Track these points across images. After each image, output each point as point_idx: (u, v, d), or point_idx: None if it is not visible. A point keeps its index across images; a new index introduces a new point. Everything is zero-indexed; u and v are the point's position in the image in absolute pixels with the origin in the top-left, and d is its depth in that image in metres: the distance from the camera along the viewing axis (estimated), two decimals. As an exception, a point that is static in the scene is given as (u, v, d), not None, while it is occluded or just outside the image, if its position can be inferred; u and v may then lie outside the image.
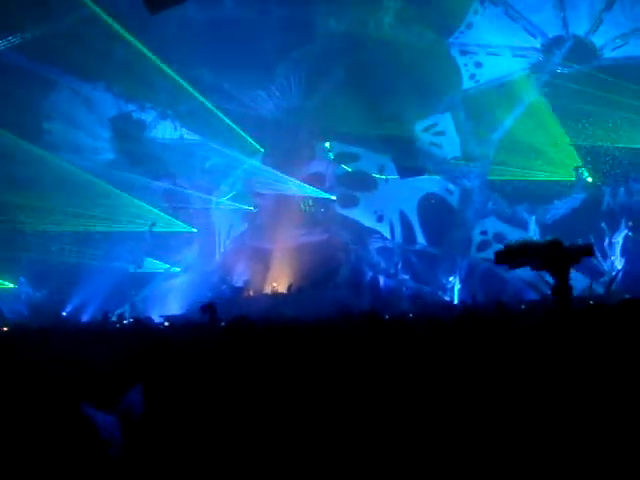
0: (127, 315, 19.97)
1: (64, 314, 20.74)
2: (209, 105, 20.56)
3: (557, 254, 2.89)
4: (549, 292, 18.12)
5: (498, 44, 20.01)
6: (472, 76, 20.39)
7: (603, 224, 18.94)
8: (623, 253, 18.81)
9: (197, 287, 20.79)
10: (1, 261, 20.80)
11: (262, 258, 21.20)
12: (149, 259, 21.66)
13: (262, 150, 22.03)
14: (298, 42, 20.84)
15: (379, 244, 21.29)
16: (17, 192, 19.96)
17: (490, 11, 19.80)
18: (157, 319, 17.38)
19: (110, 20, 19.12)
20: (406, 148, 20.44)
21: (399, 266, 20.44)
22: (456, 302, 20.01)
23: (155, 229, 21.18)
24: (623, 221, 19.05)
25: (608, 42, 19.43)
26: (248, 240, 22.03)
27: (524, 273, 19.90)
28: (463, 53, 20.26)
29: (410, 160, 20.60)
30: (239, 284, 21.28)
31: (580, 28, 19.55)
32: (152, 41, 19.43)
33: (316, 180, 21.86)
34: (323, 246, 20.93)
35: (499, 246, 20.38)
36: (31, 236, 21.07)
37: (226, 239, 22.53)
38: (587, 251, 2.81)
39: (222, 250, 22.42)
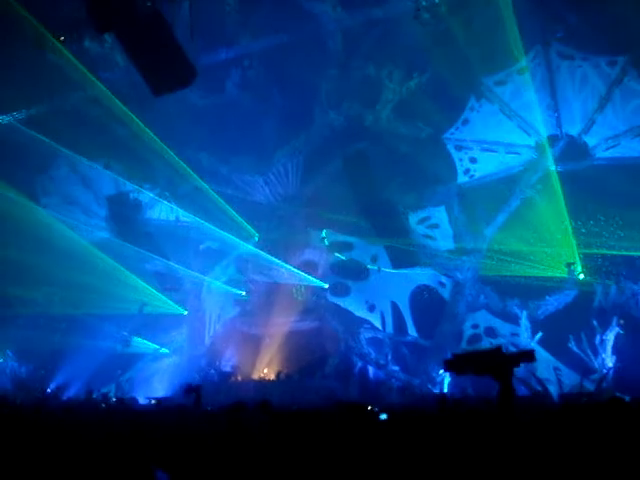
0: (112, 394, 20.50)
1: (48, 391, 21.27)
2: (206, 188, 21.56)
3: (498, 360, 3.29)
4: (539, 388, 18.78)
5: (493, 141, 20.97)
6: (467, 171, 21.22)
7: (594, 321, 19.27)
8: (614, 351, 19.04)
9: (184, 370, 21.27)
10: (-11, 334, 21.54)
11: (252, 344, 21.62)
12: (138, 339, 22.30)
13: (257, 235, 22.78)
14: (297, 130, 21.93)
15: (370, 334, 21.69)
16: (9, 266, 20.77)
17: (486, 108, 20.82)
18: (142, 400, 17.95)
19: (114, 100, 20.34)
20: (400, 239, 21.10)
21: (389, 357, 20.87)
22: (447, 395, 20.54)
23: (145, 309, 21.91)
24: (615, 319, 19.35)
25: (601, 142, 20.35)
26: (238, 325, 22.49)
27: (516, 368, 20.59)
28: (458, 148, 21.18)
29: (403, 251, 21.16)
30: (227, 369, 21.55)
31: (573, 128, 20.51)
32: (153, 122, 20.42)
33: (309, 267, 22.49)
34: (313, 334, 21.44)
35: (490, 340, 21.24)
36: (20, 311, 21.78)
37: (216, 323, 22.95)
38: (527, 356, 3.24)
39: (211, 334, 22.83)
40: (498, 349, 3.82)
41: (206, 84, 19.99)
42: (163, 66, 14.52)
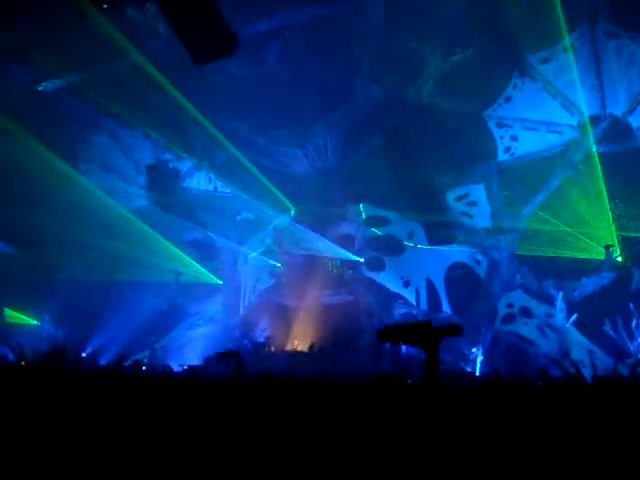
0: (145, 361, 22.70)
1: (83, 355, 23.55)
2: (244, 159, 23.06)
3: (426, 332, 4.08)
4: (573, 369, 20.58)
5: (535, 119, 22.22)
6: (507, 149, 22.63)
7: (631, 305, 20.63)
8: None
9: (218, 339, 23.30)
10: (27, 298, 23.81)
11: (286, 315, 23.36)
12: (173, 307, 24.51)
13: (293, 208, 24.50)
14: (337, 104, 23.33)
15: (404, 310, 23.35)
16: (47, 232, 22.90)
17: (529, 86, 22.03)
18: (176, 367, 20.05)
19: (154, 70, 22.24)
20: (437, 216, 22.54)
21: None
22: (477, 374, 22.44)
23: (181, 278, 24.10)
24: None
25: None
26: (273, 296, 24.28)
27: (549, 349, 22.49)
28: (500, 126, 22.56)
29: (440, 228, 22.70)
30: (261, 339, 23.25)
31: (617, 108, 21.72)
32: (193, 92, 21.74)
33: (345, 241, 24.10)
34: (347, 308, 23.08)
35: (524, 320, 23.02)
36: (58, 276, 23.94)
37: (251, 294, 24.76)
38: (454, 330, 3.98)
39: (246, 304, 24.67)
40: (428, 322, 4.15)
41: (246, 55, 20.86)
42: (205, 35, 15.39)
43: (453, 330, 4.32)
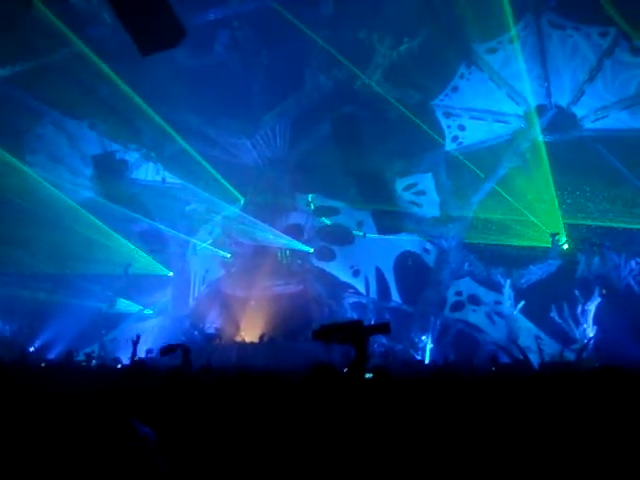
0: (95, 355, 23.45)
1: (31, 349, 24.19)
2: (192, 150, 23.69)
3: (357, 330, 4.49)
4: (520, 356, 21.69)
5: (482, 109, 23.19)
6: (455, 138, 23.59)
7: (577, 291, 21.81)
8: (595, 321, 21.67)
9: (168, 331, 24.07)
10: (-26, 294, 24.26)
11: (236, 306, 24.10)
12: (122, 300, 25.30)
13: (243, 198, 25.23)
14: (286, 93, 24.13)
15: (353, 299, 24.31)
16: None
17: (476, 76, 22.93)
18: (125, 360, 20.84)
19: (99, 59, 22.68)
20: (386, 205, 23.44)
21: (372, 322, 24.03)
22: (427, 361, 23.62)
23: (131, 270, 24.90)
24: (597, 289, 21.95)
25: (589, 113, 22.73)
26: (223, 287, 24.99)
27: (497, 336, 23.77)
28: (447, 115, 23.50)
29: (389, 217, 23.60)
30: (211, 331, 23.97)
31: (563, 98, 22.69)
32: (140, 82, 22.24)
33: (295, 231, 25.00)
34: (297, 298, 23.93)
35: (472, 307, 24.26)
36: (4, 269, 24.50)
37: (201, 285, 25.52)
38: (383, 328, 4.48)
39: (196, 295, 25.39)
40: (358, 321, 4.47)
41: (194, 45, 21.85)
42: (151, 25, 15.79)
43: (382, 329, 4.73)
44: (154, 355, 20.35)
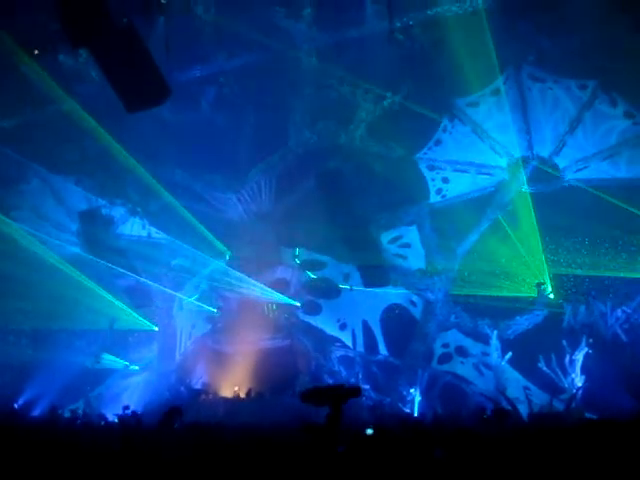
0: (80, 411, 24.37)
1: (15, 406, 25.00)
2: (178, 205, 24.90)
3: (332, 394, 5.50)
4: (509, 407, 22.61)
5: (465, 161, 24.52)
6: (439, 191, 24.87)
7: (564, 341, 22.86)
8: (583, 371, 22.55)
9: (154, 387, 25.03)
10: (-44, 351, 25.21)
11: (222, 361, 24.94)
12: (107, 355, 26.34)
13: (228, 253, 26.31)
14: (271, 149, 25.48)
15: (341, 352, 25.22)
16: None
17: (458, 129, 24.31)
18: (110, 417, 21.71)
19: (86, 116, 23.68)
20: (372, 258, 24.53)
21: (360, 376, 24.39)
22: (416, 414, 24.61)
23: (116, 325, 25.99)
24: (584, 339, 22.99)
25: (571, 164, 23.87)
26: (209, 342, 25.87)
27: (486, 387, 24.88)
28: (431, 168, 24.79)
29: (375, 270, 24.74)
30: (197, 386, 24.75)
31: (544, 149, 23.99)
32: (127, 138, 23.51)
33: (281, 285, 26.04)
34: (284, 352, 24.89)
35: (460, 359, 25.36)
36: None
37: (187, 340, 26.29)
38: (354, 392, 5.43)
39: (182, 351, 26.21)
40: (338, 386, 5.44)
41: (180, 101, 22.60)
42: (137, 83, 16.82)
43: (353, 392, 5.65)
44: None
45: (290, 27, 24.31)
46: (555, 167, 24.54)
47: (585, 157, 24.07)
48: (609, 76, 22.78)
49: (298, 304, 26.53)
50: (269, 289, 26.19)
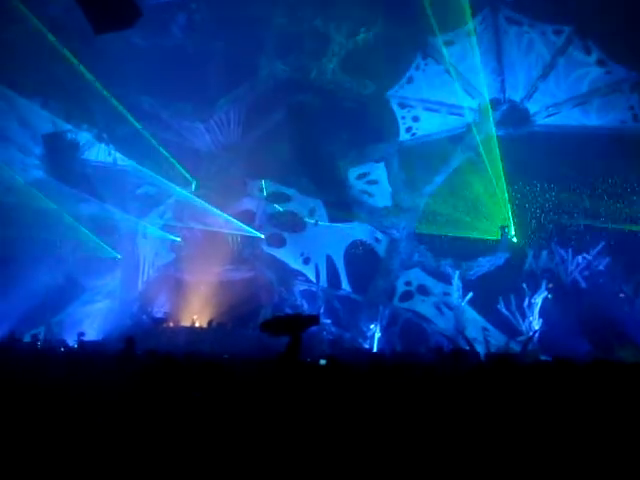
0: (41, 337, 25.50)
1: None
2: (145, 133, 25.57)
3: (293, 323, 6.05)
4: (467, 347, 24.22)
5: (436, 101, 25.48)
6: (409, 129, 25.86)
7: (524, 284, 24.22)
8: (541, 314, 24.10)
9: (116, 314, 26.34)
10: None
11: (185, 291, 26.03)
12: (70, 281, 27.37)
13: (195, 182, 27.19)
14: (242, 79, 26.18)
15: (303, 286, 26.45)
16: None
17: (431, 68, 25.24)
18: (71, 342, 22.81)
19: (53, 37, 23.60)
20: (338, 194, 25.78)
21: (322, 310, 25.52)
22: (375, 350, 26.15)
23: (79, 251, 27.06)
24: (544, 283, 24.40)
25: (542, 109, 24.97)
26: (172, 271, 26.93)
27: (445, 327, 26.53)
28: (402, 106, 25.70)
29: (341, 206, 25.99)
30: (159, 315, 25.85)
31: (516, 93, 25.01)
32: (95, 62, 24.11)
33: (246, 217, 27.09)
34: (247, 284, 26.03)
35: (422, 298, 26.93)
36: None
37: (150, 268, 27.32)
38: (314, 320, 6.11)
39: (145, 279, 27.23)
40: (297, 315, 6.25)
41: (151, 26, 23.64)
42: (106, 3, 19.26)
43: (312, 321, 6.30)
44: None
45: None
46: (526, 111, 25.62)
47: (556, 103, 25.18)
48: (585, 23, 23.76)
49: (262, 236, 27.65)
50: (234, 220, 27.20)
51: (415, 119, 26.19)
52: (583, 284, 24.69)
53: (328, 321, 25.58)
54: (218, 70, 25.58)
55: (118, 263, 27.21)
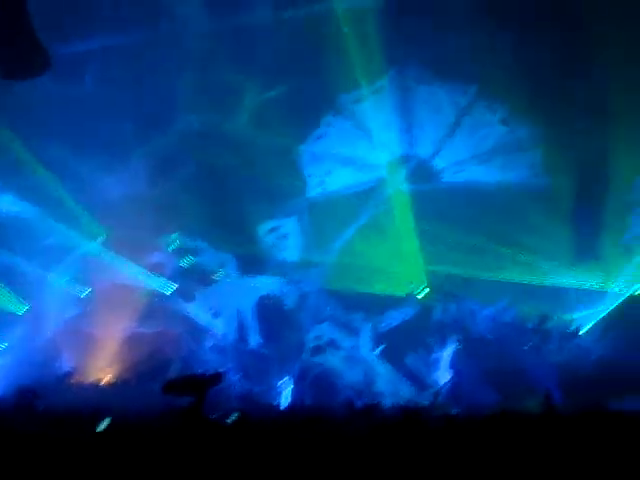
0: None
1: None
2: (55, 181, 26.21)
3: (195, 383, 6.18)
4: (376, 400, 25.20)
5: (347, 156, 26.73)
6: (320, 183, 26.94)
7: (433, 337, 25.46)
8: (450, 366, 25.29)
9: (20, 369, 26.79)
10: None
11: (92, 345, 26.16)
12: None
13: (104, 234, 27.59)
14: (153, 131, 26.91)
15: (212, 341, 26.98)
16: None
17: (342, 124, 26.47)
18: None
19: None
20: (249, 248, 26.59)
21: (231, 365, 26.26)
22: (287, 405, 26.89)
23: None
24: (453, 336, 25.75)
25: (449, 166, 26.48)
26: (79, 325, 26.92)
27: (355, 380, 27.61)
28: (313, 161, 26.82)
29: (251, 260, 26.82)
30: (64, 370, 25.99)
31: (424, 150, 26.51)
32: (3, 106, 24.35)
33: (156, 270, 27.61)
34: (156, 339, 26.31)
35: (332, 351, 27.99)
36: None
37: (57, 321, 27.34)
38: (215, 380, 6.31)
39: (51, 332, 27.13)
40: (199, 375, 6.27)
41: (64, 74, 24.03)
42: (15, 51, 17.72)
43: (215, 380, 6.67)
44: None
45: (180, 8, 26.16)
46: (434, 168, 27.24)
47: (462, 160, 26.88)
48: (490, 84, 25.60)
49: (172, 290, 28.22)
50: (144, 273, 27.77)
51: (326, 174, 27.45)
52: (490, 336, 26.07)
53: (237, 376, 26.05)
54: (130, 121, 26.43)
55: (24, 314, 27.39)
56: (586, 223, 25.73)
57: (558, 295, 26.68)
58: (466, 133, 26.60)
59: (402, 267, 26.91)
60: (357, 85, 26.25)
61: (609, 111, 24.37)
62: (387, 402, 24.26)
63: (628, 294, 25.35)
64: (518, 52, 24.61)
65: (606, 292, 26.05)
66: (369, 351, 26.63)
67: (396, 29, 25.03)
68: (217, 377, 7.06)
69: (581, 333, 26.34)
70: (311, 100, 26.32)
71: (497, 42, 24.71)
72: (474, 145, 26.59)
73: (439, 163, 26.93)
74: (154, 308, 27.48)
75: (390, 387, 25.93)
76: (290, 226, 27.25)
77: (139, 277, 27.07)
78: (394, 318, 26.93)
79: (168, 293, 27.62)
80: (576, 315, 26.76)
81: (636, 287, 25.35)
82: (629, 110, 23.93)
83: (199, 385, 6.66)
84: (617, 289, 25.69)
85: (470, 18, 24.51)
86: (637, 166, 25.44)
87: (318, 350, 27.36)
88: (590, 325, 26.21)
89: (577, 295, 26.66)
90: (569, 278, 26.33)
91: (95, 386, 25.67)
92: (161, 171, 27.22)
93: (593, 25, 23.04)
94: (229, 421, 11.72)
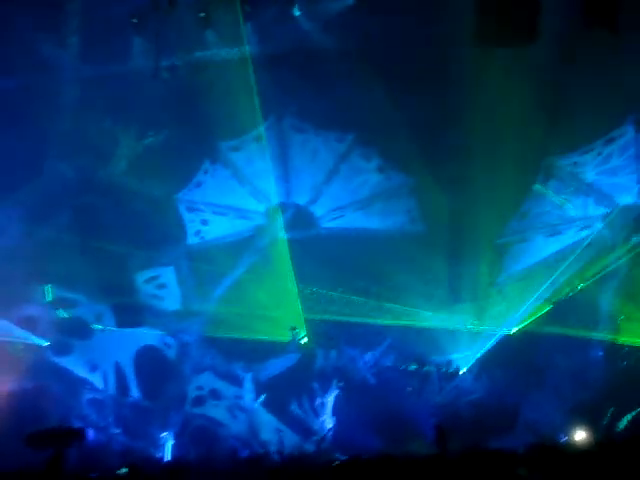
0: None
1: None
2: None
3: (55, 436, 6.56)
4: (261, 449, 26.09)
5: (224, 204, 27.70)
6: (197, 232, 27.78)
7: (315, 384, 26.44)
8: (334, 412, 26.38)
9: None
10: None
11: None
12: None
13: None
14: (23, 179, 27.08)
15: (91, 395, 27.01)
16: None
17: (219, 172, 27.50)
18: None
19: None
20: (126, 298, 27.07)
21: (110, 419, 26.21)
22: (168, 459, 27.33)
23: None
24: (334, 382, 26.82)
25: (327, 213, 27.91)
26: None
27: (239, 430, 28.42)
28: (190, 209, 27.64)
29: (130, 311, 27.09)
30: None
31: (302, 198, 27.79)
32: None
33: (29, 324, 27.41)
34: (30, 395, 26.24)
35: (214, 402, 28.71)
36: None
37: None
38: (75, 435, 6.61)
39: None
40: (60, 428, 6.84)
41: None
42: None
43: (74, 435, 7.52)
44: None
45: (52, 54, 26.79)
46: (312, 215, 28.55)
47: (340, 207, 28.35)
48: (365, 132, 27.41)
49: (47, 344, 28.03)
50: (15, 327, 27.51)
51: (204, 222, 28.31)
52: (372, 380, 27.45)
53: (117, 430, 26.33)
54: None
55: None
56: (462, 266, 27.45)
57: (437, 337, 28.02)
58: (343, 180, 28.16)
59: (283, 313, 27.84)
60: (235, 133, 27.60)
61: (477, 157, 25.97)
62: (272, 450, 25.46)
63: (499, 334, 26.82)
64: (394, 101, 26.32)
65: (480, 333, 27.36)
66: (252, 399, 27.36)
67: (273, 79, 26.55)
68: (77, 433, 7.29)
69: (460, 373, 27.72)
70: (188, 148, 27.47)
71: (373, 92, 26.21)
72: (351, 192, 28.15)
73: (318, 210, 28.20)
74: (28, 363, 27.32)
75: (275, 435, 26.81)
76: (168, 275, 27.74)
77: (11, 331, 26.83)
78: (276, 365, 27.74)
79: (43, 347, 27.41)
80: (455, 356, 28.14)
81: (507, 326, 26.91)
82: (497, 156, 25.60)
83: (59, 439, 6.93)
84: (490, 330, 27.05)
85: (346, 69, 26.22)
86: (507, 210, 27.19)
87: (200, 401, 27.95)
88: (468, 366, 27.61)
89: (454, 336, 28.04)
90: (446, 320, 27.84)
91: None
92: (32, 220, 27.24)
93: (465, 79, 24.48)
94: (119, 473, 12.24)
